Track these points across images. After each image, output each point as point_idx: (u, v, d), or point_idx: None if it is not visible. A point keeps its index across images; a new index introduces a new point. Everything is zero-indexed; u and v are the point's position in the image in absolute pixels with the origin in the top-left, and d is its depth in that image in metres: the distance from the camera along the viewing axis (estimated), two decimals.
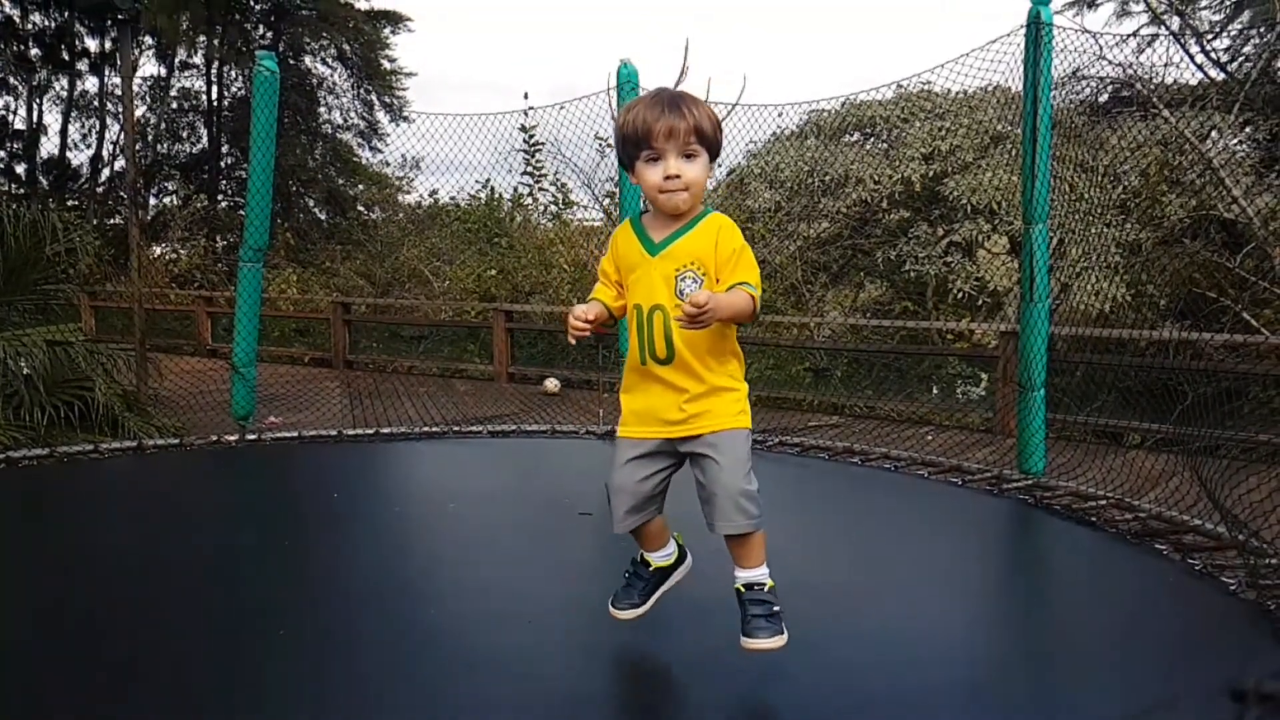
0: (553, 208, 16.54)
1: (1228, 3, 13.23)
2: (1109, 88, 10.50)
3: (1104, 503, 5.36)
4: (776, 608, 2.69)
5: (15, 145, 23.98)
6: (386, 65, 23.94)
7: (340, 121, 24.22)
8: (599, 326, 2.64)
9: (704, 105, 2.54)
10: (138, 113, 22.51)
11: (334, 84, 24.05)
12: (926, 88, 12.31)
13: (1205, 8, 13.35)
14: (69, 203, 22.70)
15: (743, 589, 2.70)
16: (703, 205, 2.65)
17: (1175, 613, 3.91)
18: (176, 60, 23.96)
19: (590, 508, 5.05)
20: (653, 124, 2.46)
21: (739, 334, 2.71)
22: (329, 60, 23.87)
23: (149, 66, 24.14)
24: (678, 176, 2.49)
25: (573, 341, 2.64)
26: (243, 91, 23.06)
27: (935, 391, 11.09)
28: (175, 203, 23.36)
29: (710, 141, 2.53)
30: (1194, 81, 11.79)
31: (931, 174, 12.63)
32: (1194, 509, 4.97)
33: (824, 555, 4.50)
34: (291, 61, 22.37)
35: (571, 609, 3.50)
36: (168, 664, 3.03)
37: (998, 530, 5.38)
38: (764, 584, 2.71)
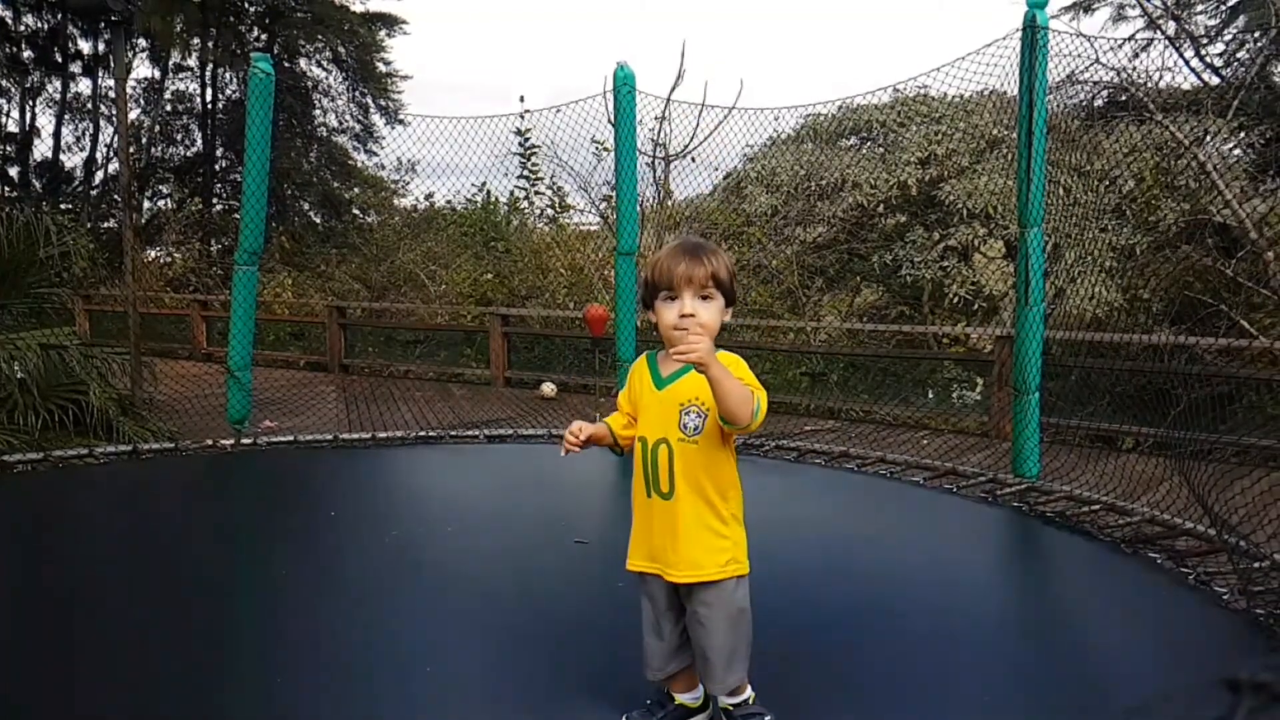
0: (549, 211, 16.54)
1: (1223, 8, 13.25)
2: (1104, 92, 10.51)
3: (1098, 507, 5.38)
4: (768, 718, 2.75)
5: (8, 148, 23.90)
6: (382, 68, 23.90)
7: (335, 124, 24.18)
8: (595, 443, 2.74)
9: (723, 255, 2.67)
10: (131, 115, 22.49)
11: (329, 87, 24.02)
12: (923, 91, 12.32)
13: (1201, 13, 13.37)
14: (63, 206, 22.60)
15: (731, 708, 2.75)
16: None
17: (1167, 620, 3.92)
18: (170, 63, 23.88)
19: (586, 514, 5.06)
20: (674, 268, 2.59)
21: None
22: (324, 63, 23.83)
23: (143, 69, 24.09)
24: (692, 315, 2.57)
25: (562, 454, 2.76)
26: (237, 94, 23.01)
27: (931, 396, 11.09)
28: (170, 206, 23.34)
29: (726, 288, 2.64)
30: (1189, 86, 11.82)
31: (928, 178, 12.63)
32: (1187, 512, 4.99)
33: (820, 558, 4.50)
34: (286, 64, 22.34)
35: (564, 619, 3.50)
36: (162, 666, 3.03)
37: (992, 535, 5.39)
38: (748, 699, 2.76)
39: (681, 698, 2.85)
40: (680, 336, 2.54)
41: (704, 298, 2.61)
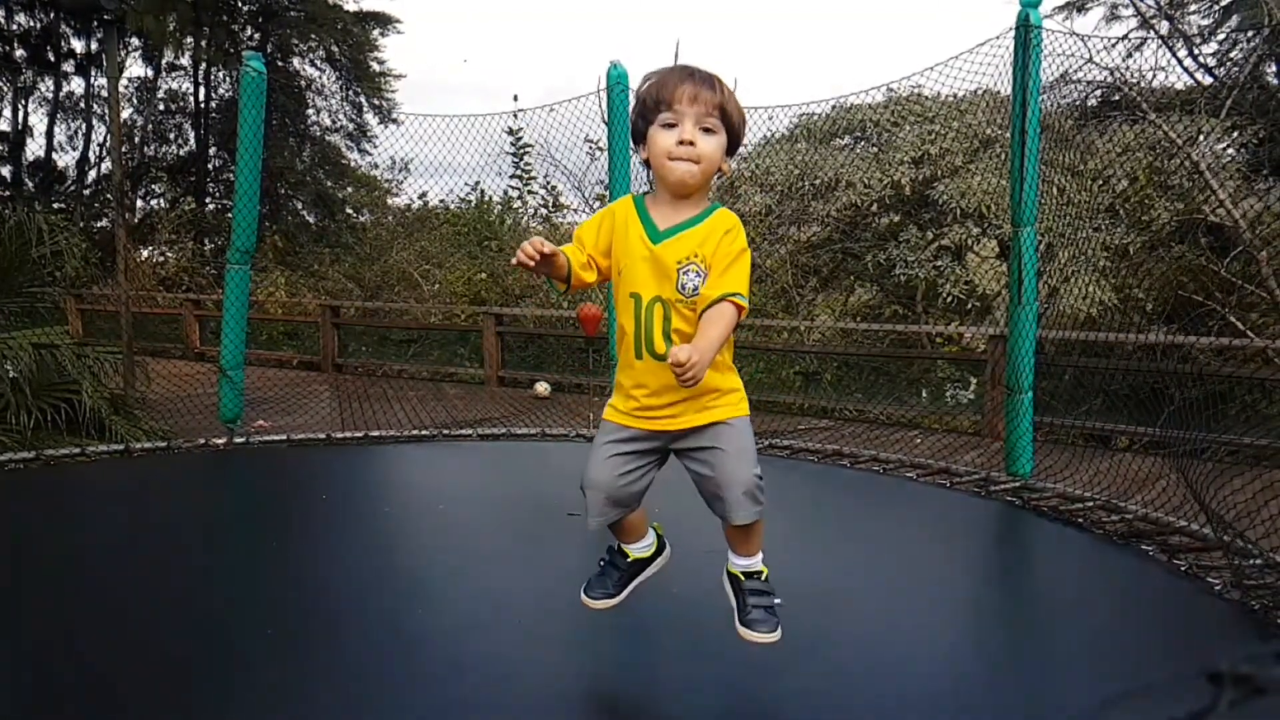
0: (543, 210, 16.54)
1: (1216, 7, 13.28)
2: (1098, 91, 10.53)
3: (1091, 504, 5.38)
4: (776, 600, 2.63)
5: (1, 147, 23.88)
6: (375, 67, 23.89)
7: (329, 123, 24.16)
8: (548, 269, 2.38)
9: (734, 94, 2.46)
10: (124, 115, 22.46)
11: (322, 85, 24.00)
12: (916, 91, 12.33)
13: (1194, 13, 13.40)
14: (55, 205, 22.57)
15: (742, 576, 2.63)
16: (710, 199, 2.56)
17: (1160, 612, 3.93)
18: (163, 62, 23.86)
19: (578, 510, 5.05)
20: (678, 86, 2.36)
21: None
22: (317, 62, 23.81)
23: (135, 68, 24.08)
24: (692, 144, 2.37)
25: (513, 263, 2.46)
26: (230, 93, 22.97)
27: (924, 395, 11.11)
28: (162, 205, 23.30)
29: (732, 123, 2.42)
30: (1182, 85, 11.85)
31: (921, 177, 12.64)
32: (1181, 510, 4.99)
33: (813, 557, 4.50)
34: (279, 63, 22.31)
35: (558, 611, 3.48)
36: (155, 667, 3.02)
37: (985, 531, 5.39)
38: (761, 571, 2.65)
39: (631, 549, 2.76)
40: (674, 169, 2.38)
41: (706, 129, 2.38)
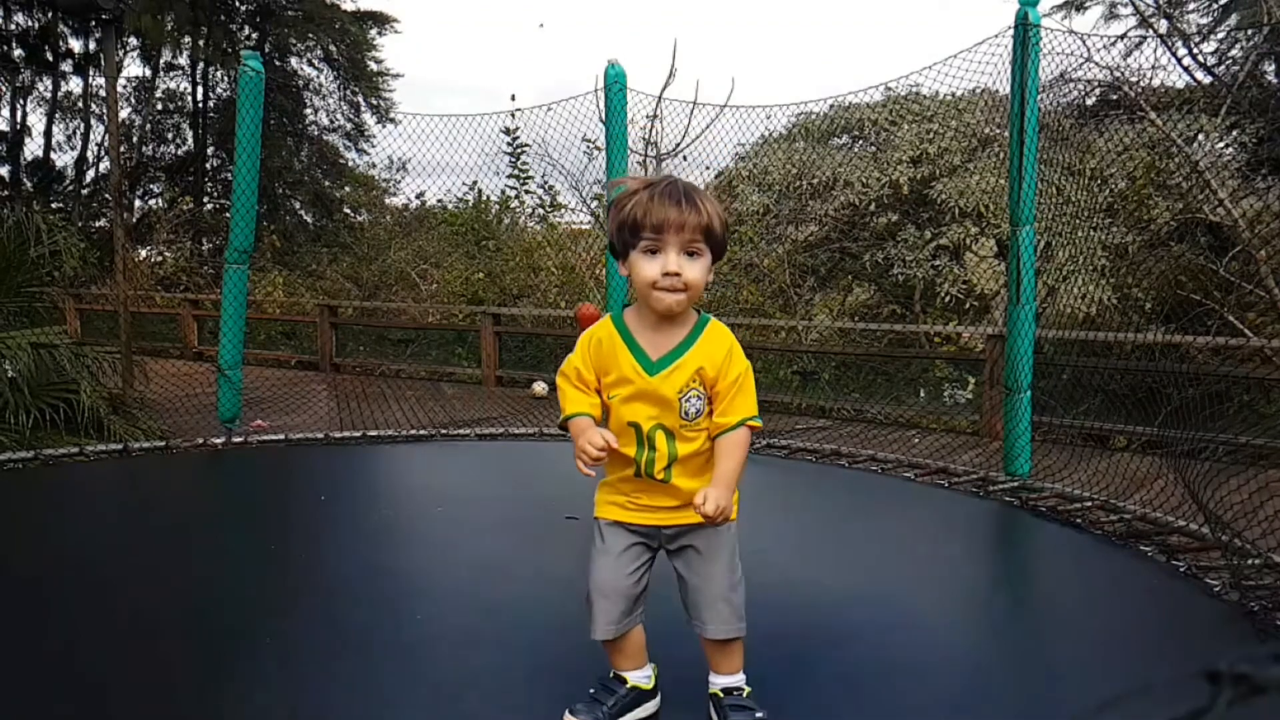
0: (540, 210, 16.54)
1: (1215, 6, 13.29)
2: (1097, 90, 10.53)
3: (1089, 504, 5.38)
4: (760, 714, 2.49)
5: None
6: (373, 66, 23.88)
7: (326, 123, 24.16)
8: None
9: (714, 201, 2.33)
10: (122, 114, 22.46)
11: (320, 85, 23.99)
12: (915, 90, 12.34)
13: (1193, 11, 13.41)
14: (53, 205, 22.56)
15: (721, 694, 2.52)
16: (695, 309, 2.45)
17: (1159, 613, 3.92)
18: (161, 61, 23.85)
19: (577, 512, 5.04)
20: (662, 214, 2.23)
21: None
22: (315, 61, 23.80)
23: (133, 68, 24.07)
24: (678, 274, 2.25)
25: (590, 473, 2.32)
26: (228, 93, 22.97)
27: (922, 395, 11.11)
28: (161, 205, 23.28)
29: (717, 241, 2.31)
30: (1181, 84, 11.85)
31: (919, 177, 12.65)
32: (1179, 510, 4.99)
33: (811, 557, 4.49)
34: (277, 62, 22.31)
35: (558, 612, 3.48)
36: (153, 667, 3.01)
37: (983, 531, 5.39)
38: (743, 689, 2.54)
39: (632, 677, 2.58)
40: (660, 298, 2.27)
41: (691, 253, 2.27)
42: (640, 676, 2.59)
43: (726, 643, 2.49)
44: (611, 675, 2.60)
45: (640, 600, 2.51)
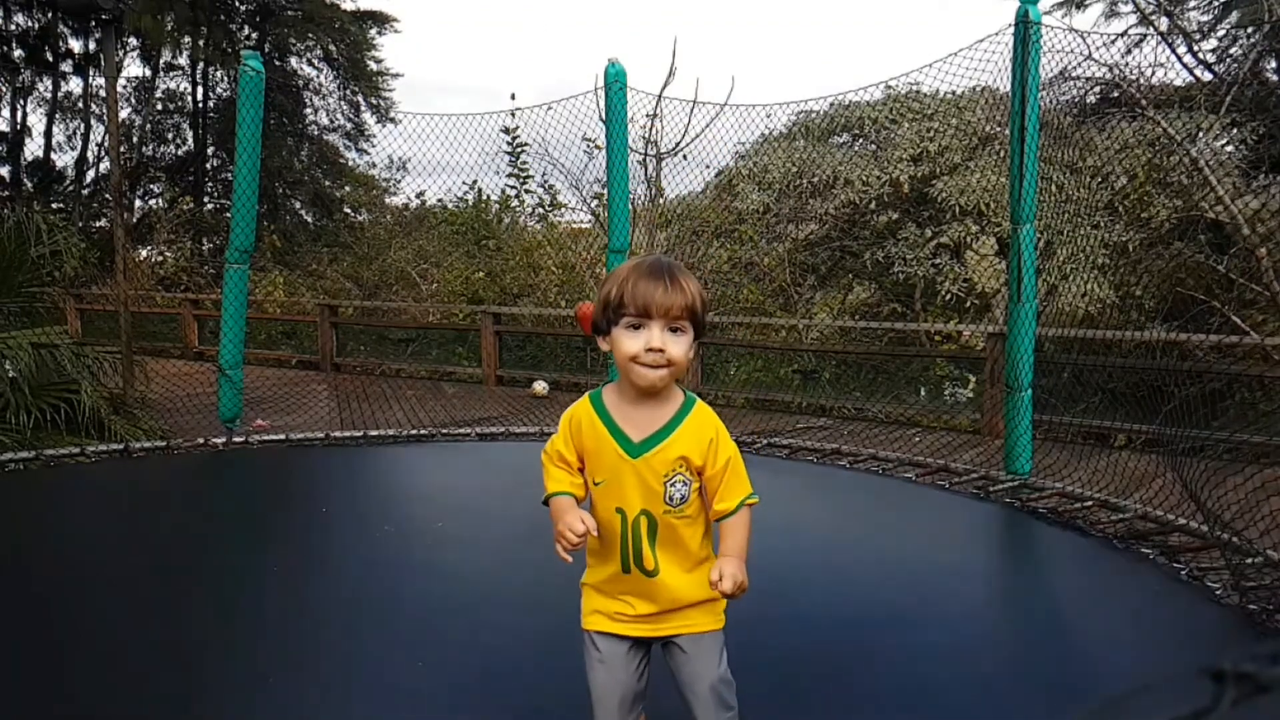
0: (540, 209, 16.53)
1: (1215, 4, 13.29)
2: (1097, 88, 10.52)
3: (1090, 503, 5.38)
4: None
5: None
6: (373, 66, 23.89)
7: (326, 123, 24.17)
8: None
9: (696, 281, 2.30)
10: (122, 114, 22.46)
11: (320, 85, 24.00)
12: (915, 88, 12.33)
13: (1193, 9, 13.41)
14: (54, 205, 22.57)
15: None
16: (678, 388, 2.38)
17: (1160, 614, 3.92)
18: (161, 61, 23.86)
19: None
20: (649, 294, 2.20)
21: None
22: (315, 61, 23.82)
23: (133, 68, 24.09)
24: (661, 350, 2.21)
25: (568, 559, 2.28)
26: (228, 93, 22.99)
27: (923, 393, 11.10)
28: (161, 205, 23.29)
29: (699, 320, 2.28)
30: (1182, 82, 11.84)
31: (920, 175, 12.64)
32: (1180, 509, 4.99)
33: (812, 556, 4.49)
34: (277, 62, 22.32)
35: (557, 614, 3.48)
36: (153, 666, 3.01)
37: (984, 530, 5.38)
38: None
39: None
40: (642, 374, 2.24)
41: (674, 330, 2.24)
42: None
43: None
44: None
45: (643, 695, 2.48)
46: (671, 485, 2.27)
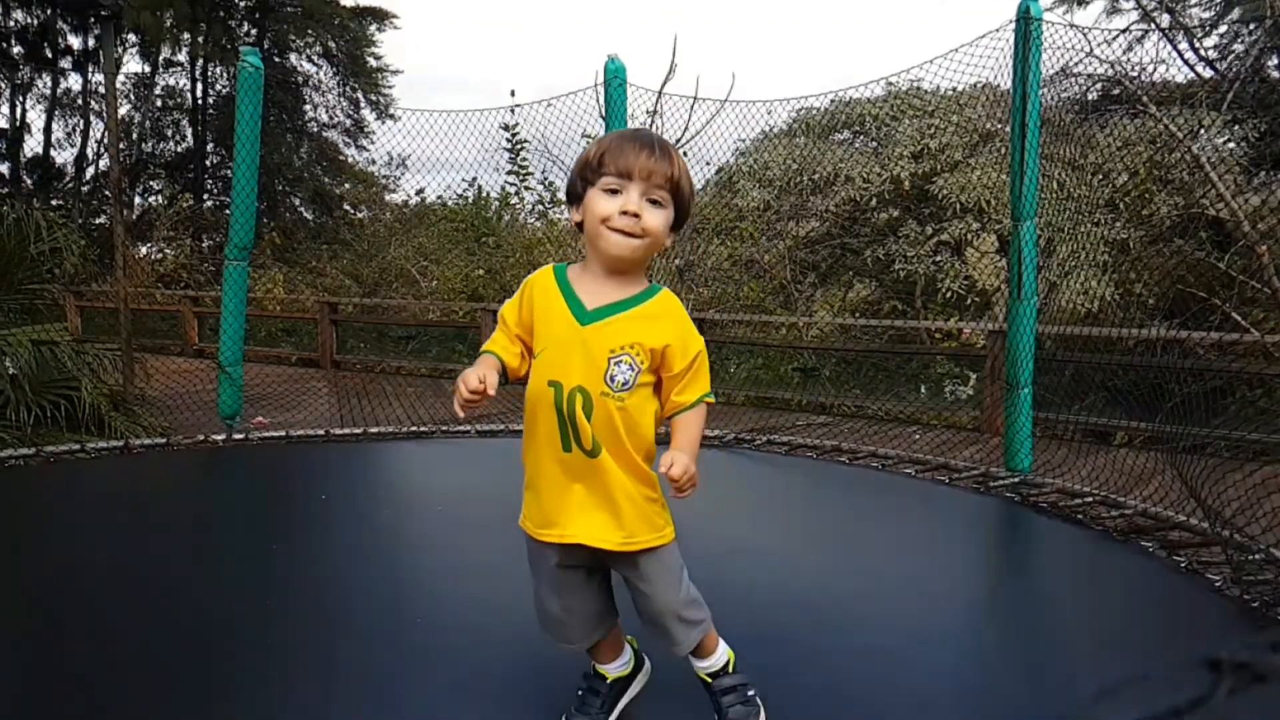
0: (540, 207, 16.52)
1: (1217, 0, 13.28)
2: (1098, 85, 10.51)
3: (1090, 500, 5.37)
4: (750, 691, 2.45)
5: None
6: (372, 62, 23.88)
7: (326, 119, 24.16)
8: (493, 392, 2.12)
9: (688, 168, 2.18)
10: (121, 111, 22.44)
11: (319, 81, 23.99)
12: (916, 85, 12.31)
13: (1195, 5, 13.41)
14: (53, 202, 22.59)
15: (708, 679, 2.45)
16: (647, 278, 2.26)
17: (1159, 608, 3.92)
18: (160, 58, 23.85)
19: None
20: (634, 156, 2.07)
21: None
22: (314, 57, 23.82)
23: (133, 64, 24.08)
24: (637, 216, 2.08)
25: (460, 414, 2.15)
26: (227, 89, 22.99)
27: (923, 391, 11.09)
28: (160, 202, 23.28)
29: (683, 201, 2.15)
30: (1183, 79, 11.83)
31: (921, 172, 12.63)
32: (1180, 505, 4.99)
33: (811, 553, 4.49)
34: (276, 59, 22.32)
35: None
36: (153, 665, 3.00)
37: (984, 527, 5.38)
38: (726, 664, 2.46)
39: (610, 670, 2.50)
40: (613, 241, 2.10)
41: (654, 202, 2.10)
42: (617, 666, 2.52)
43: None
44: (593, 670, 2.54)
45: (606, 615, 2.42)
46: (616, 364, 2.11)
